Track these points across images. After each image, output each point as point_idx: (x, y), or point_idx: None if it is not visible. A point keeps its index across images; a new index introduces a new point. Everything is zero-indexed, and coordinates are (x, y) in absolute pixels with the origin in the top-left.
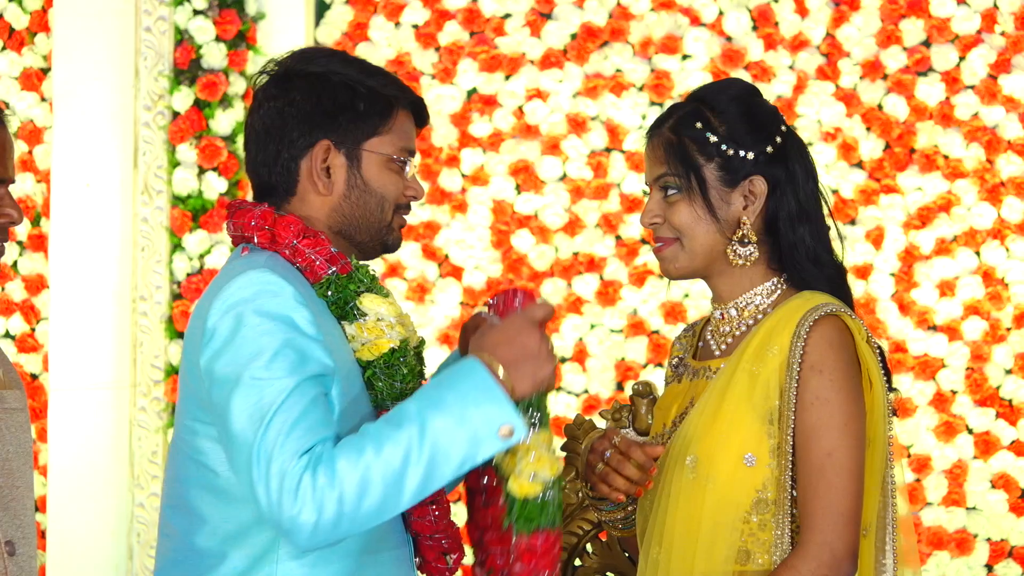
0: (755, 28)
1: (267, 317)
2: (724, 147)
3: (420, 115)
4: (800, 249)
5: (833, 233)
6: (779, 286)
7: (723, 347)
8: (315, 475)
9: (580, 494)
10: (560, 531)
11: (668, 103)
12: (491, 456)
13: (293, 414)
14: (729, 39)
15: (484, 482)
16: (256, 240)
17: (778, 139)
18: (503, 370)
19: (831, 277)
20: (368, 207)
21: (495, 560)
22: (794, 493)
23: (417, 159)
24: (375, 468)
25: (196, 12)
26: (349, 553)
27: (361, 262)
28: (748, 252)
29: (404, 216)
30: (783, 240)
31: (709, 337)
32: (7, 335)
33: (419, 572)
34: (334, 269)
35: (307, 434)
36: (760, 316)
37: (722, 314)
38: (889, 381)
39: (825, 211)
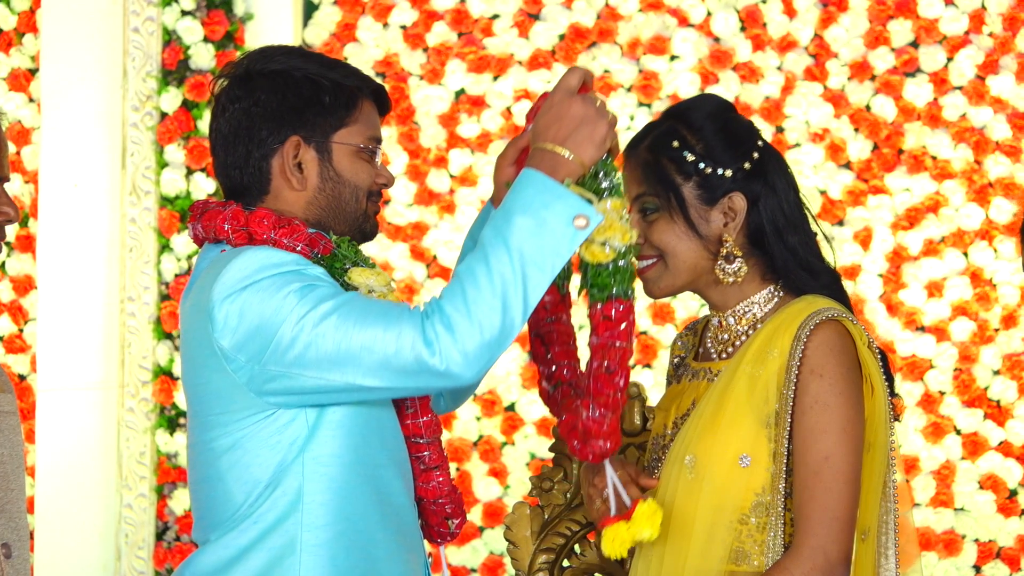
0: (743, 29)
1: (278, 274)
2: (702, 166)
3: (382, 103)
4: (793, 260)
5: (820, 237)
6: (776, 293)
7: (723, 355)
8: (435, 328)
9: (568, 495)
10: (633, 302)
11: (656, 104)
12: (576, 249)
13: (364, 307)
14: (717, 40)
15: (546, 299)
16: (233, 240)
17: (755, 154)
18: (563, 148)
19: (827, 284)
20: (343, 198)
21: (562, 372)
22: (787, 494)
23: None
24: (482, 304)
25: (184, 13)
26: (369, 497)
27: (340, 237)
28: (736, 268)
29: (377, 203)
30: (774, 252)
31: (709, 344)
32: None
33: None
34: (316, 251)
35: (392, 308)
36: (759, 324)
37: (720, 322)
38: (892, 385)
39: (809, 218)
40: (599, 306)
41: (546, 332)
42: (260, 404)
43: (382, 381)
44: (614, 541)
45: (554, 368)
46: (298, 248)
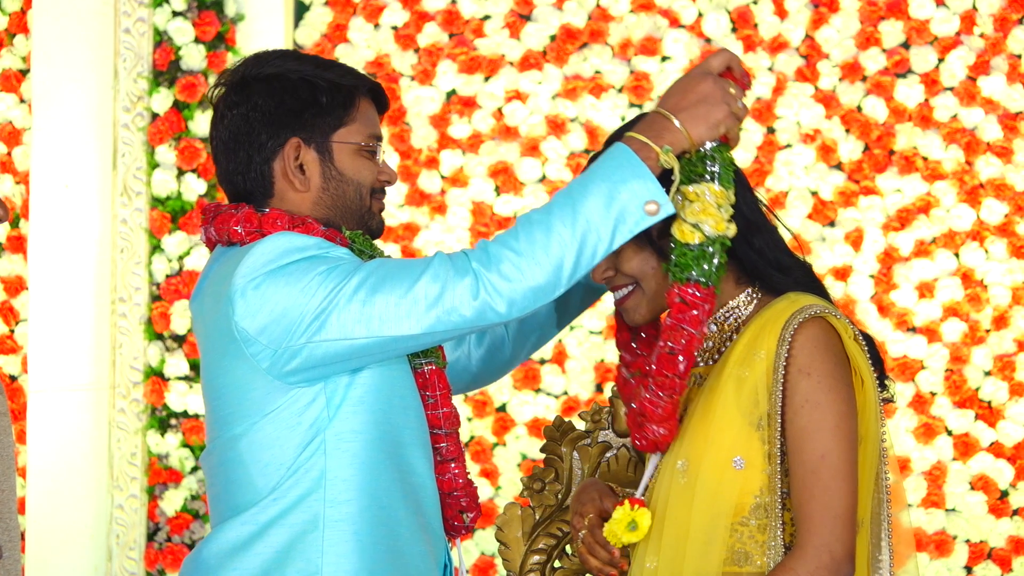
0: (734, 30)
1: (302, 259)
2: None
3: (380, 100)
4: (763, 261)
5: (785, 232)
6: (754, 296)
7: (710, 361)
8: (470, 265)
9: (559, 496)
10: (713, 291)
11: (648, 105)
12: (637, 232)
13: (390, 265)
14: (708, 41)
15: None
16: (247, 242)
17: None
18: (675, 117)
19: (800, 280)
20: (347, 196)
21: (643, 364)
22: (785, 492)
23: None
24: (531, 259)
25: (175, 14)
26: (392, 474)
27: (353, 231)
28: None
29: (381, 200)
30: (743, 257)
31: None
32: None
33: None
34: (331, 243)
35: (420, 259)
36: (742, 328)
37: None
38: (883, 372)
39: (766, 213)
40: (676, 287)
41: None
42: (280, 388)
43: (411, 327)
44: (609, 532)
45: (635, 357)
46: None
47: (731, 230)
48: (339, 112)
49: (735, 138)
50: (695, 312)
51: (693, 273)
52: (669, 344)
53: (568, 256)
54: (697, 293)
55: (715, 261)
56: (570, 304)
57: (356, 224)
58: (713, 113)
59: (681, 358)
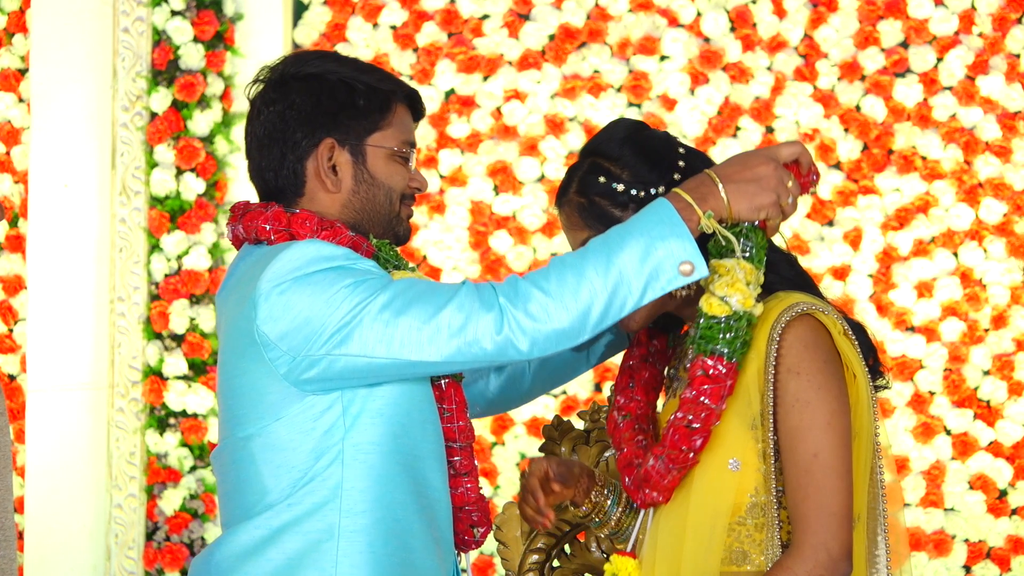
0: (733, 29)
1: (329, 268)
2: (634, 192)
3: (416, 108)
4: None
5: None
6: None
7: None
8: (497, 299)
9: None
10: (736, 367)
11: (646, 104)
12: (671, 290)
13: (418, 287)
14: (707, 40)
15: (655, 343)
16: (274, 241)
17: (681, 163)
18: (723, 187)
19: (787, 276)
20: (377, 200)
21: (633, 407)
22: (780, 490)
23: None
24: (558, 303)
25: (174, 13)
26: (408, 487)
27: (380, 240)
28: None
29: (411, 206)
30: None
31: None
32: None
33: None
34: (359, 255)
35: (448, 285)
36: None
37: None
38: (877, 361)
39: None
40: (700, 359)
41: (638, 368)
42: (295, 393)
43: (431, 354)
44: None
45: (629, 401)
46: None
47: (757, 309)
48: (375, 116)
49: (773, 228)
50: (716, 386)
51: (719, 346)
52: (689, 418)
53: (597, 304)
54: (720, 368)
55: (741, 336)
56: (596, 348)
57: (383, 229)
58: (760, 197)
59: (698, 436)
